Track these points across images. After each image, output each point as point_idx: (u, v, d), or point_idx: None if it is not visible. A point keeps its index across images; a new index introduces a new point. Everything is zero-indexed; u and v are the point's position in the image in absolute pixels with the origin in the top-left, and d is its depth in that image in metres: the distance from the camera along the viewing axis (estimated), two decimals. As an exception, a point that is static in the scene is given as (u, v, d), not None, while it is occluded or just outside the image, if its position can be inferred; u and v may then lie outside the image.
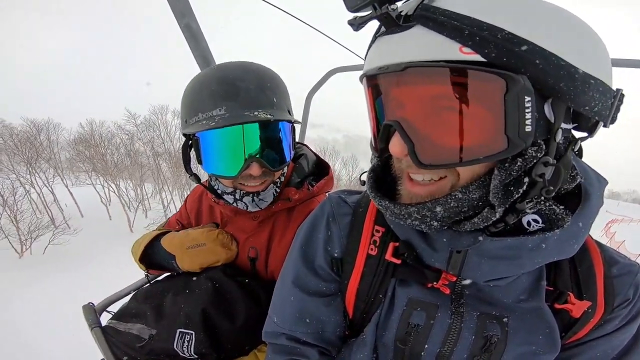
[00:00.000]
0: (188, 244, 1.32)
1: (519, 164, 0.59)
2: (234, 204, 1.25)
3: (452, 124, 0.58)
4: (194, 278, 1.28)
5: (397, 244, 0.80)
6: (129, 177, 35.71)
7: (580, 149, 0.74)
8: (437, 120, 0.60)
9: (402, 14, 0.59)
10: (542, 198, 0.63)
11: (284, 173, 1.29)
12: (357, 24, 0.62)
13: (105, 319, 1.37)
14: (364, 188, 1.03)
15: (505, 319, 0.73)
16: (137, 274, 1.58)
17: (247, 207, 1.24)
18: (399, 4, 0.60)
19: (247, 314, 1.19)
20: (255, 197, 1.22)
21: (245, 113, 1.08)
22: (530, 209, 0.64)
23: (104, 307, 1.46)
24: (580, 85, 0.55)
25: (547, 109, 0.58)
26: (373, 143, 0.75)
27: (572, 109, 0.61)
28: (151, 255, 1.40)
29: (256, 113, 1.09)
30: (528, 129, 0.56)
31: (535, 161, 0.59)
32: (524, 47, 0.52)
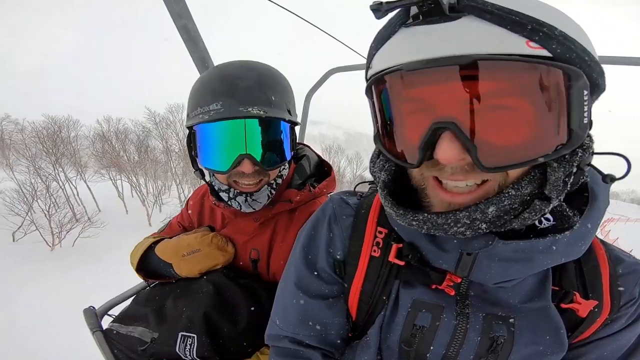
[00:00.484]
0: (183, 251, 1.30)
1: (579, 154, 0.60)
2: (229, 202, 1.25)
3: (521, 121, 0.56)
4: (195, 281, 1.28)
5: (400, 245, 0.79)
6: (145, 173, 36.27)
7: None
8: (503, 117, 0.56)
9: (446, 2, 0.54)
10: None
11: (282, 175, 1.29)
12: (384, 10, 0.56)
13: (106, 322, 1.37)
14: (365, 189, 1.02)
15: (511, 320, 0.73)
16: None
17: (240, 207, 1.23)
18: None
19: (249, 316, 1.19)
20: (248, 198, 1.21)
21: (239, 109, 1.09)
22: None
23: (105, 310, 1.46)
24: (603, 81, 0.59)
25: (590, 102, 0.59)
26: (406, 151, 0.66)
27: None
28: (148, 265, 1.38)
29: (250, 109, 1.09)
30: (585, 121, 0.57)
31: (590, 151, 0.61)
32: (577, 45, 0.54)
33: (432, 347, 0.76)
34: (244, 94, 1.11)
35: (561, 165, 0.60)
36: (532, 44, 0.53)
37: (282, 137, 1.19)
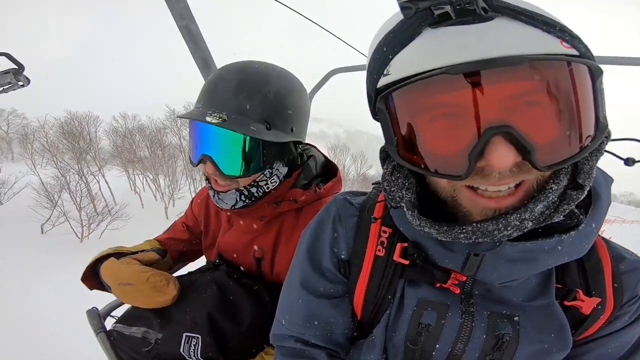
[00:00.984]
0: (119, 280, 1.24)
1: (605, 142, 0.63)
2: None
3: (565, 117, 0.57)
4: (199, 281, 1.28)
5: (404, 244, 0.80)
6: (161, 170, 36.98)
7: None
8: (550, 115, 0.56)
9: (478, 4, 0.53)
10: None
11: (261, 186, 1.26)
12: (414, 8, 0.54)
13: (109, 324, 1.37)
14: (368, 189, 1.02)
15: (516, 318, 0.73)
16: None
17: (214, 200, 1.28)
18: None
19: (253, 316, 1.19)
20: (216, 194, 1.26)
21: (208, 111, 1.11)
22: None
23: (109, 311, 1.46)
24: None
25: None
26: (449, 162, 0.61)
27: None
28: (98, 275, 1.35)
29: (216, 114, 1.10)
30: (605, 112, 0.60)
31: (610, 139, 0.64)
32: (585, 43, 0.58)
33: (437, 345, 0.77)
34: (219, 97, 1.13)
35: (593, 154, 0.62)
36: (564, 43, 0.55)
37: (246, 148, 1.17)
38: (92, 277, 1.37)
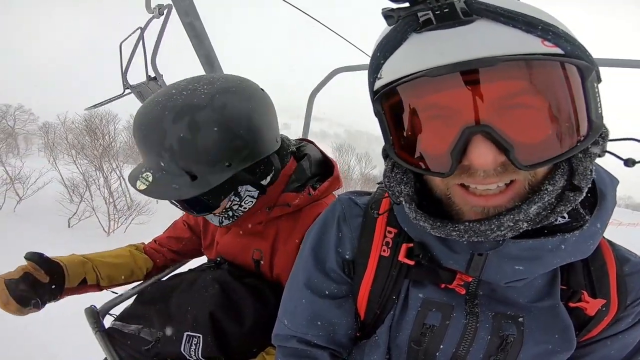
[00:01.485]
0: None
1: (601, 143, 0.63)
2: None
3: (548, 117, 0.58)
4: (200, 279, 1.28)
5: (410, 244, 0.80)
6: None
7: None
8: (532, 115, 0.58)
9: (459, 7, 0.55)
10: None
11: (234, 208, 1.26)
12: (397, 16, 0.57)
13: (108, 322, 1.37)
14: (373, 189, 1.02)
15: (520, 319, 0.74)
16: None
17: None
18: None
19: (255, 316, 1.19)
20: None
21: (142, 169, 1.11)
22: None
23: (107, 309, 1.45)
24: (599, 73, 0.62)
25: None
26: (434, 160, 0.65)
27: None
28: None
29: (145, 174, 1.08)
30: (600, 111, 0.60)
31: (607, 139, 0.64)
32: (577, 42, 0.58)
33: (441, 346, 0.77)
34: (142, 154, 1.10)
35: (586, 155, 0.62)
36: (546, 42, 0.55)
37: (190, 199, 1.13)
38: None
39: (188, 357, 1.13)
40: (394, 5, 0.56)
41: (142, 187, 1.04)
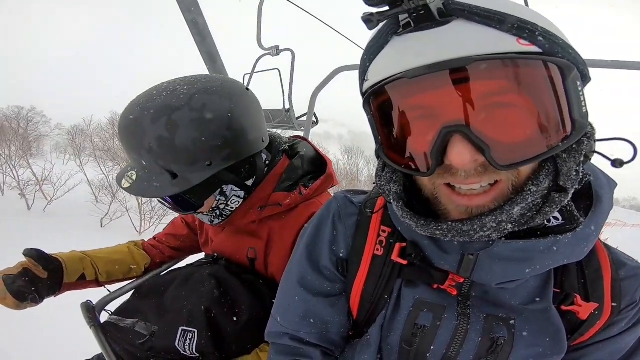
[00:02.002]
0: None
1: (585, 143, 0.63)
2: None
3: (526, 116, 0.58)
4: (197, 274, 1.29)
5: (403, 244, 0.81)
6: None
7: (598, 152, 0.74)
8: (509, 114, 0.58)
9: (435, 8, 0.56)
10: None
11: (220, 207, 1.28)
12: (376, 20, 0.58)
13: (105, 318, 1.38)
14: (369, 188, 1.02)
15: (512, 321, 0.74)
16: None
17: None
18: None
19: (250, 312, 1.20)
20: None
21: (128, 168, 1.13)
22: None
23: (104, 304, 1.46)
24: (588, 71, 0.63)
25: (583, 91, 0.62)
26: (416, 160, 0.67)
27: None
28: None
29: (130, 173, 1.11)
30: (585, 109, 0.60)
31: (594, 139, 0.64)
32: (559, 39, 0.58)
33: (432, 347, 0.78)
34: (127, 153, 1.12)
35: (570, 155, 0.62)
36: (522, 41, 0.56)
37: (174, 197, 1.16)
38: None
39: (182, 352, 1.13)
40: (373, 10, 0.58)
41: (126, 185, 1.07)
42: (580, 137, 0.60)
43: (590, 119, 0.63)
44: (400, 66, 0.60)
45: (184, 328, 1.14)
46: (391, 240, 0.85)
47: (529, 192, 0.62)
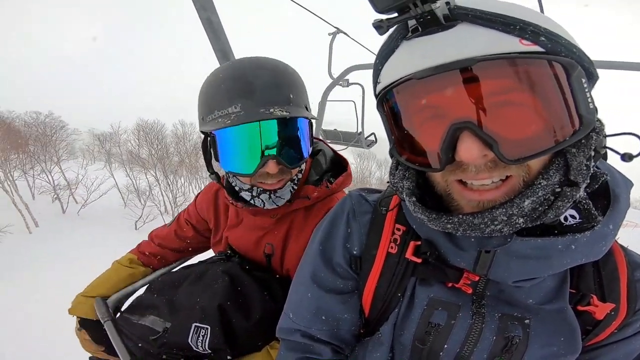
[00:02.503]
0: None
1: (594, 137, 0.64)
2: (252, 201, 1.26)
3: (532, 113, 0.60)
4: (210, 271, 1.30)
5: (418, 242, 0.82)
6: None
7: (606, 152, 0.74)
8: (514, 111, 0.61)
9: (441, 13, 0.60)
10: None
11: (302, 170, 1.29)
12: (386, 26, 0.62)
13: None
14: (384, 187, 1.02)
15: (527, 321, 0.75)
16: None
17: (264, 204, 1.24)
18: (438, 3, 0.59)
19: (263, 310, 1.21)
20: (272, 195, 1.22)
21: (260, 110, 1.08)
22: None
23: (117, 300, 1.48)
24: (595, 69, 0.64)
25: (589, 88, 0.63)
26: (428, 157, 0.69)
27: None
28: None
29: (272, 110, 1.09)
30: (591, 105, 0.62)
31: (603, 134, 0.65)
32: (562, 39, 0.60)
33: (446, 346, 0.78)
34: (262, 94, 1.10)
35: (580, 150, 0.63)
36: (524, 41, 0.59)
37: (301, 135, 1.20)
38: None
39: (194, 348, 1.15)
40: (383, 17, 0.62)
41: (283, 114, 1.09)
42: (588, 132, 0.62)
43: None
44: (409, 68, 0.64)
45: (197, 324, 1.16)
46: (405, 239, 0.86)
47: (540, 186, 0.63)
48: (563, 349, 0.73)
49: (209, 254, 1.61)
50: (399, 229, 0.88)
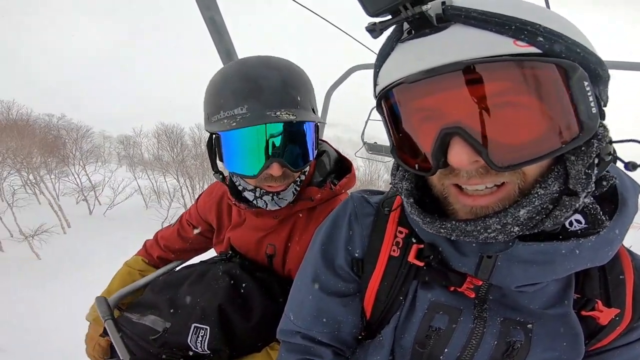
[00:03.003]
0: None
1: (595, 145, 0.61)
2: (254, 202, 1.26)
3: (524, 118, 0.59)
4: (211, 271, 1.30)
5: (420, 245, 0.81)
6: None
7: (613, 158, 0.72)
8: (505, 116, 0.59)
9: (433, 15, 0.59)
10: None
11: (306, 171, 1.29)
12: (378, 29, 0.62)
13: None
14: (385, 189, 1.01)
15: (529, 325, 0.74)
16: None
17: (266, 205, 1.24)
18: (429, 4, 0.58)
19: (263, 311, 1.22)
20: (275, 197, 1.22)
21: (267, 113, 1.08)
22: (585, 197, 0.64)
23: (118, 299, 1.48)
24: (604, 69, 0.61)
25: (594, 92, 0.60)
26: (421, 160, 0.69)
27: None
28: None
29: (278, 113, 1.08)
30: (594, 110, 0.58)
31: (607, 140, 0.62)
32: (565, 39, 0.57)
33: (446, 350, 0.78)
34: (269, 96, 1.09)
35: (579, 157, 0.61)
36: (519, 42, 0.56)
37: (307, 138, 1.20)
38: None
39: (194, 348, 1.15)
40: (376, 20, 0.61)
41: (289, 117, 1.09)
42: (589, 138, 0.59)
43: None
44: (403, 71, 0.63)
45: (197, 325, 1.16)
46: (408, 242, 0.85)
47: (536, 195, 0.62)
48: (565, 354, 0.73)
49: (210, 253, 1.62)
50: (401, 232, 0.87)
